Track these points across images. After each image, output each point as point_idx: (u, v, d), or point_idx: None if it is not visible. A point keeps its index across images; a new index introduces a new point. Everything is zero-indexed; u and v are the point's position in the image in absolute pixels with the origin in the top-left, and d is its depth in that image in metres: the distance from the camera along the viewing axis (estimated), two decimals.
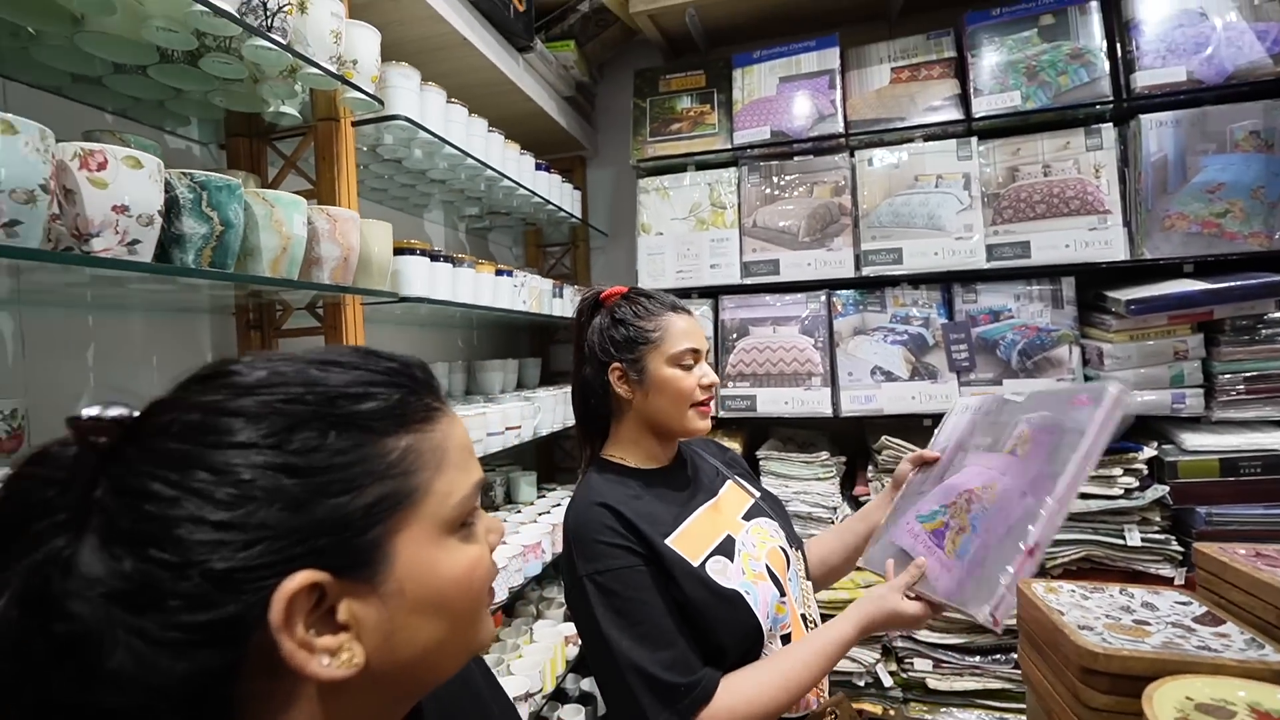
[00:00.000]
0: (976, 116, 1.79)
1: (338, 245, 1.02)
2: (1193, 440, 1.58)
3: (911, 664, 1.71)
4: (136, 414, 0.36)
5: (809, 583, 1.07)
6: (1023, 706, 1.70)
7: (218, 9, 0.85)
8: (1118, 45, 1.71)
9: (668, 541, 0.91)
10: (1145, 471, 1.61)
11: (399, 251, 1.27)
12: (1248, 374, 1.54)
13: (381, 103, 1.20)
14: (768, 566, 0.96)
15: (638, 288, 1.05)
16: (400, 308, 1.35)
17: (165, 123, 1.23)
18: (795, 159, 1.98)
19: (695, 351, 0.99)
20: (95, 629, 0.31)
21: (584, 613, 0.87)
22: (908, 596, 0.86)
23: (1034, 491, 0.72)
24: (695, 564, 0.90)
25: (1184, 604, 0.67)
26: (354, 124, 1.26)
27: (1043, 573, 1.67)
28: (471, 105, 1.57)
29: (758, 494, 1.09)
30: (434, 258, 1.36)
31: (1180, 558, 1.57)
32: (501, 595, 1.53)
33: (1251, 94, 1.60)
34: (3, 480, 0.35)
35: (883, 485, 1.76)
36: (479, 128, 1.60)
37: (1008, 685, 1.64)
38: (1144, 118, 1.65)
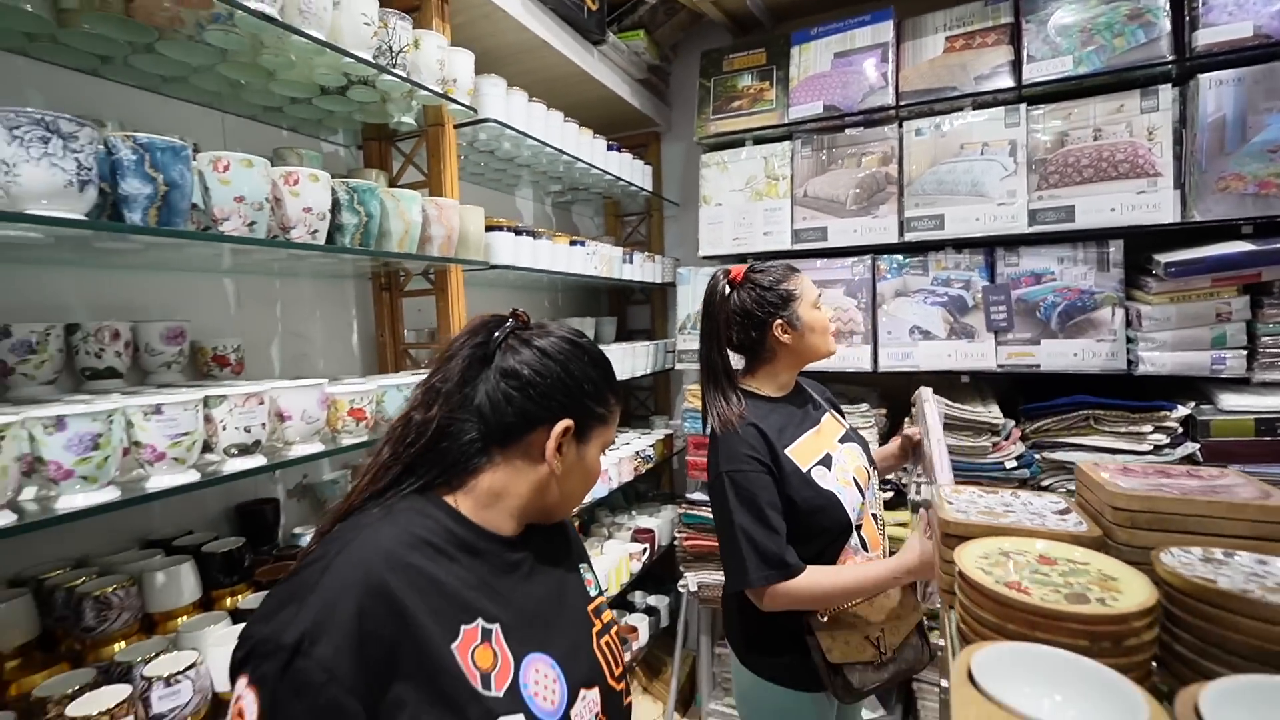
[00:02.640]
0: (1027, 83, 1.84)
1: (443, 226, 1.35)
2: (1230, 400, 1.62)
3: None
4: (536, 324, 0.77)
5: (880, 492, 1.39)
6: None
7: (359, 58, 1.18)
8: (1183, 2, 1.69)
9: (786, 451, 1.22)
10: (1179, 430, 1.66)
11: (490, 228, 1.60)
12: None
13: (475, 110, 1.52)
14: (854, 478, 1.26)
15: (754, 264, 1.34)
16: (492, 273, 1.69)
17: (320, 134, 1.63)
18: (846, 131, 2.10)
19: (820, 296, 1.34)
20: (491, 383, 0.70)
21: (719, 496, 1.20)
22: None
23: None
24: (804, 470, 1.21)
25: (1054, 503, 0.87)
26: (455, 127, 1.59)
27: None
28: (553, 96, 1.87)
29: (848, 426, 1.40)
30: (518, 232, 1.68)
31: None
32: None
33: None
34: (480, 318, 0.77)
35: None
36: (556, 119, 1.89)
37: None
38: (1203, 77, 1.64)
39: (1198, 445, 1.62)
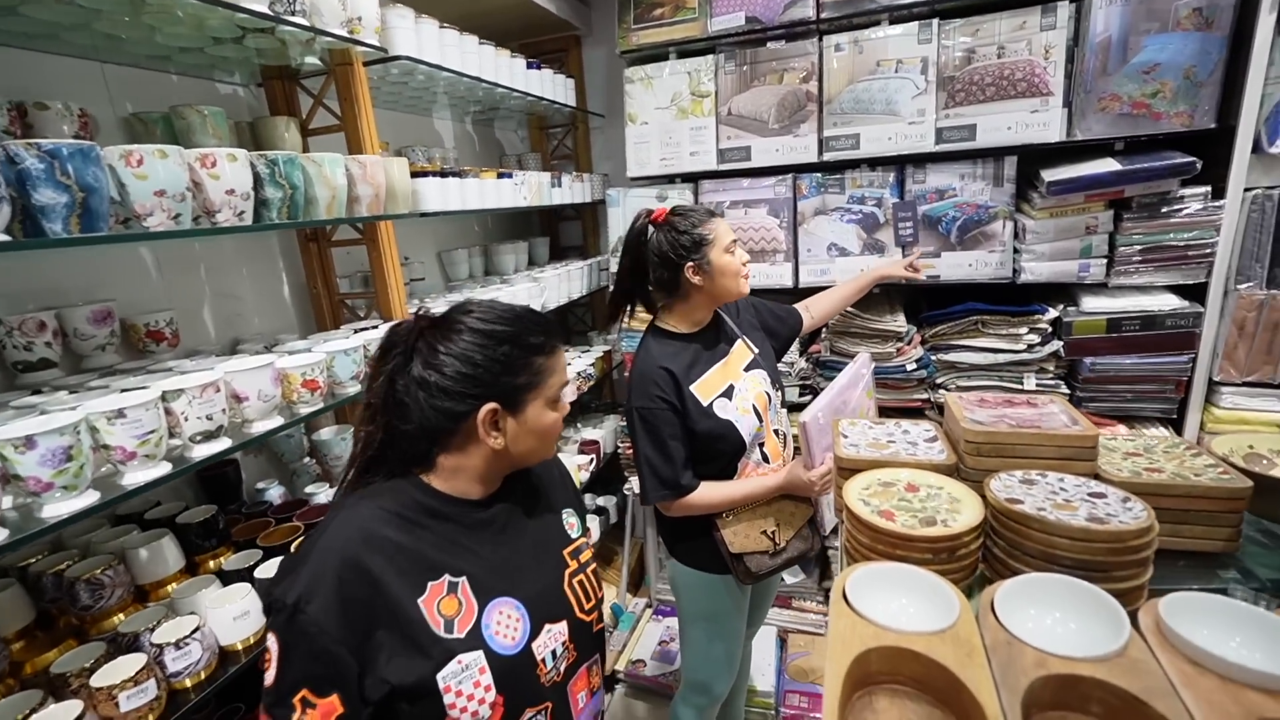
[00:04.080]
0: None
1: (370, 185, 1.34)
2: (1090, 303, 1.87)
3: None
4: (436, 315, 0.82)
5: (784, 410, 1.58)
6: None
7: (253, 11, 1.10)
8: None
9: (691, 387, 1.39)
10: (1049, 330, 1.93)
11: (416, 175, 1.57)
12: (1142, 245, 1.78)
13: (385, 50, 1.44)
14: (754, 405, 1.44)
15: (677, 206, 1.43)
16: None
17: (214, 74, 1.50)
18: (769, 45, 2.09)
19: (735, 241, 1.42)
20: (411, 393, 0.77)
21: (631, 427, 1.41)
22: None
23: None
24: (705, 403, 1.39)
25: (927, 430, 1.06)
26: (365, 65, 1.50)
27: None
28: (462, 4, 1.75)
29: (756, 350, 1.55)
30: (443, 174, 1.66)
31: (1065, 398, 1.93)
32: None
33: None
34: (386, 330, 0.83)
35: (831, 346, 2.13)
36: (471, 43, 1.79)
37: None
38: None
39: (1061, 343, 1.89)
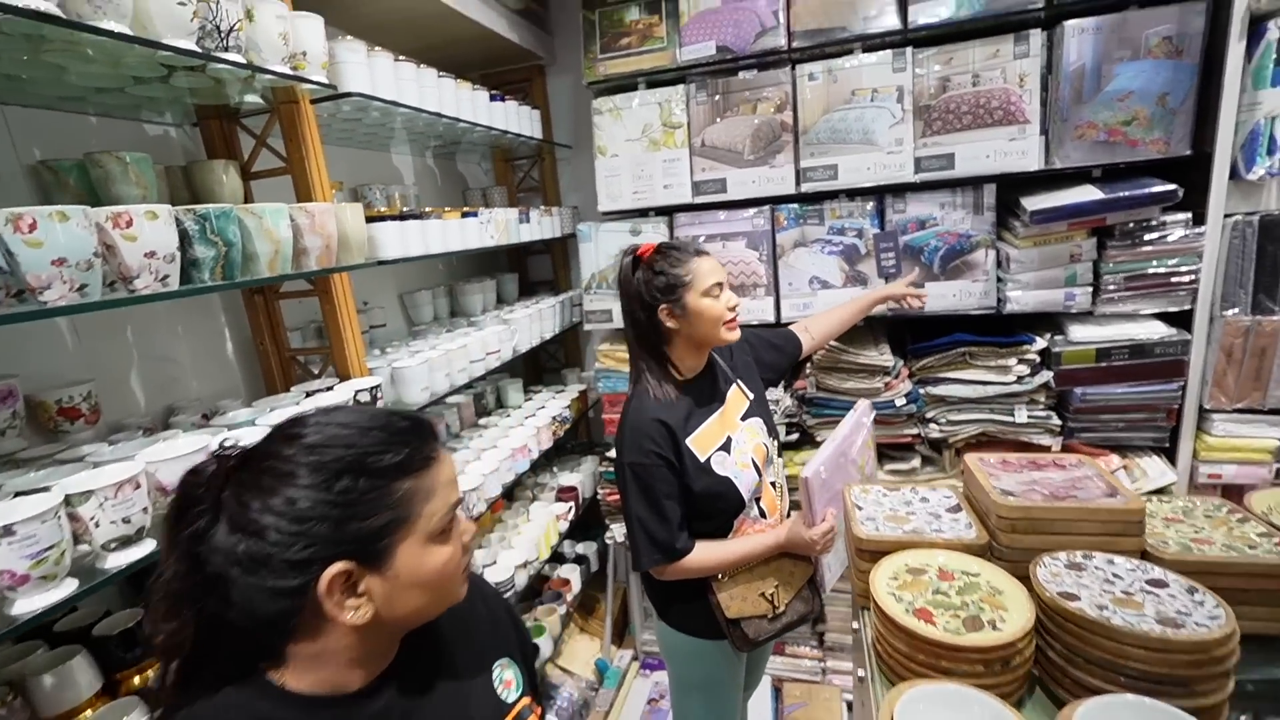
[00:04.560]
0: (912, 26, 1.84)
1: (319, 236, 1.21)
2: (1078, 332, 1.84)
3: None
4: (248, 449, 0.59)
5: (780, 459, 1.48)
6: None
7: (178, 49, 0.98)
8: None
9: (688, 441, 1.29)
10: (1038, 360, 1.88)
11: (371, 219, 1.44)
12: (1127, 273, 1.76)
13: (334, 86, 1.32)
14: (753, 459, 1.35)
15: (666, 241, 1.32)
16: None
17: (141, 114, 1.36)
18: (740, 75, 2.04)
19: (719, 284, 1.29)
20: (225, 576, 0.54)
21: (622, 483, 1.29)
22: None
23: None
24: (703, 459, 1.29)
25: (947, 498, 0.97)
26: (313, 102, 1.38)
27: (948, 447, 2.01)
28: (420, 37, 1.64)
29: (751, 396, 1.43)
30: (402, 218, 1.53)
31: (1058, 429, 1.88)
32: (495, 491, 1.88)
33: None
34: (180, 480, 0.58)
35: (816, 381, 2.05)
36: (429, 77, 1.68)
37: None
38: (1067, 24, 1.71)
39: (1051, 374, 1.85)
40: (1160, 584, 0.70)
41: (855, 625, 0.94)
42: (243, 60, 1.08)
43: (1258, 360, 1.70)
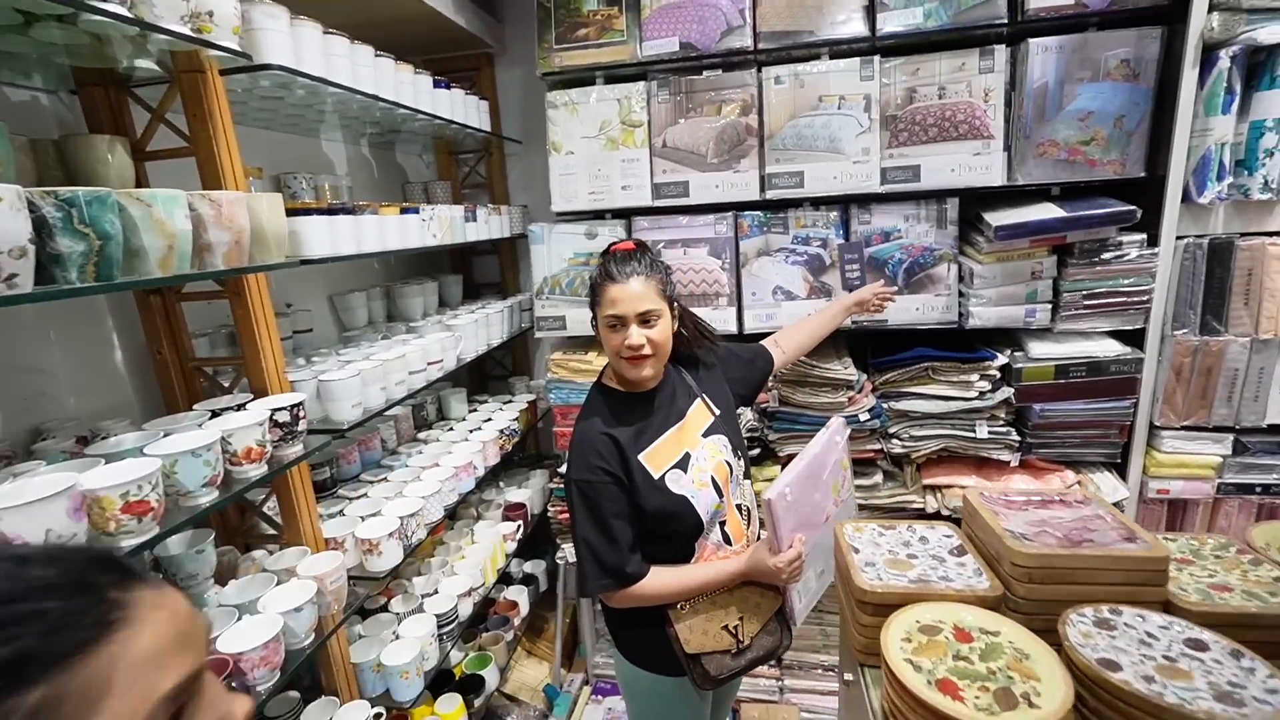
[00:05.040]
0: (880, 34, 1.80)
1: (227, 230, 1.02)
2: (1038, 349, 1.84)
3: None
4: None
5: (747, 481, 1.38)
6: None
7: None
8: None
9: (640, 457, 1.20)
10: (998, 376, 1.87)
11: (294, 212, 1.25)
12: (1086, 291, 1.77)
13: (249, 56, 1.13)
14: (713, 477, 1.25)
15: (632, 247, 1.22)
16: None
17: (2, 76, 1.12)
18: (705, 74, 1.94)
19: (619, 317, 1.17)
20: None
21: (569, 501, 1.19)
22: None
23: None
24: (656, 477, 1.20)
25: (948, 537, 0.89)
26: (223, 73, 1.18)
27: (909, 462, 1.97)
28: (355, 10, 1.46)
29: (718, 412, 1.33)
30: (331, 212, 1.34)
31: (1016, 445, 1.88)
32: (439, 514, 1.70)
33: (1130, 21, 1.67)
34: None
35: (779, 395, 1.97)
36: (365, 56, 1.50)
37: None
38: (1032, 42, 1.70)
39: (1012, 390, 1.84)
40: (1200, 646, 0.64)
41: (849, 677, 0.84)
42: (127, 13, 0.88)
43: (1204, 379, 1.74)
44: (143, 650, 0.37)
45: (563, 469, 2.19)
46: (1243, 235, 1.66)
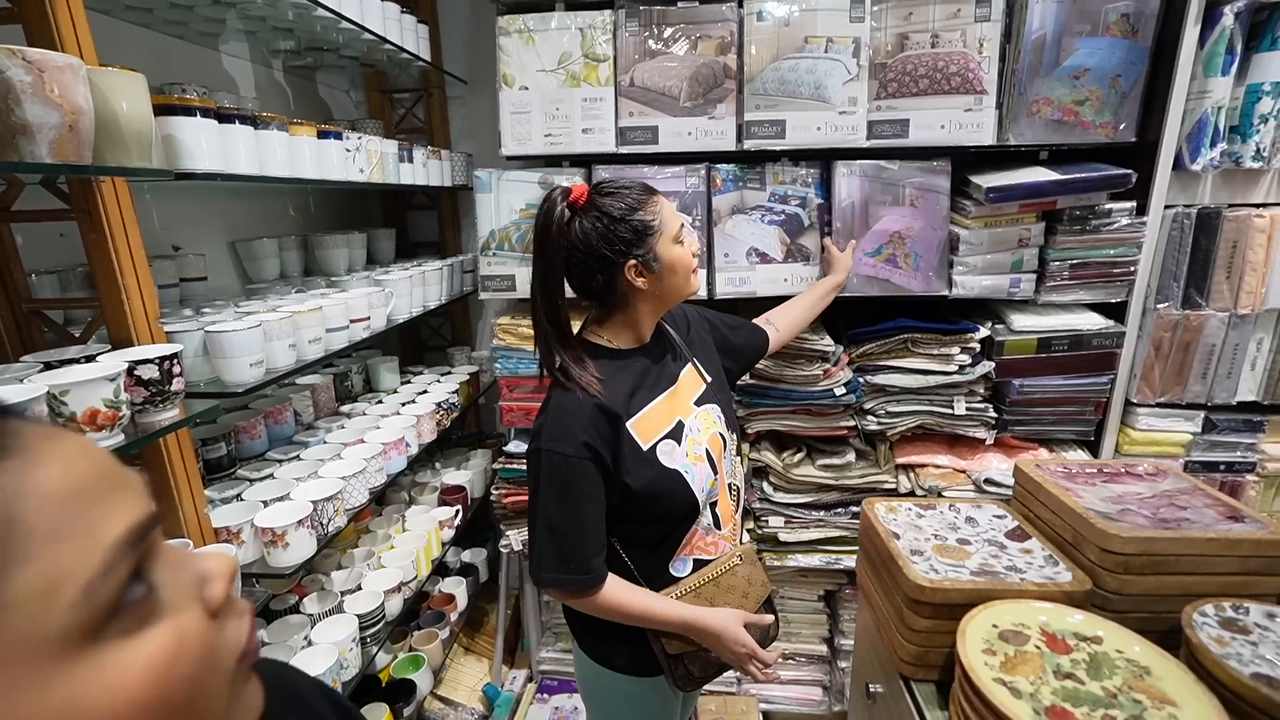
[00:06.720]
0: None
1: (54, 107, 0.73)
2: (1020, 321, 1.74)
3: (766, 521, 1.89)
4: None
5: (738, 458, 1.24)
6: (854, 549, 1.95)
7: None
8: None
9: (629, 424, 1.02)
10: (978, 349, 1.77)
11: (166, 110, 0.97)
12: (1073, 260, 1.68)
13: None
14: (707, 450, 1.09)
15: (602, 181, 1.05)
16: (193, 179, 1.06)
17: None
18: (680, 4, 1.73)
19: (684, 226, 1.06)
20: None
21: (533, 471, 1.01)
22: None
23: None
24: (645, 448, 1.03)
25: (1000, 518, 0.74)
26: None
27: (884, 440, 1.86)
28: None
29: (709, 379, 1.19)
30: (223, 118, 1.06)
31: (993, 422, 1.79)
32: (362, 498, 1.45)
33: None
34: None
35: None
36: None
37: (844, 533, 1.87)
38: None
39: (993, 364, 1.74)
40: None
41: (876, 688, 0.68)
42: None
43: (1182, 355, 1.69)
44: (55, 484, 0.27)
45: (511, 447, 1.97)
46: (1230, 206, 1.61)
